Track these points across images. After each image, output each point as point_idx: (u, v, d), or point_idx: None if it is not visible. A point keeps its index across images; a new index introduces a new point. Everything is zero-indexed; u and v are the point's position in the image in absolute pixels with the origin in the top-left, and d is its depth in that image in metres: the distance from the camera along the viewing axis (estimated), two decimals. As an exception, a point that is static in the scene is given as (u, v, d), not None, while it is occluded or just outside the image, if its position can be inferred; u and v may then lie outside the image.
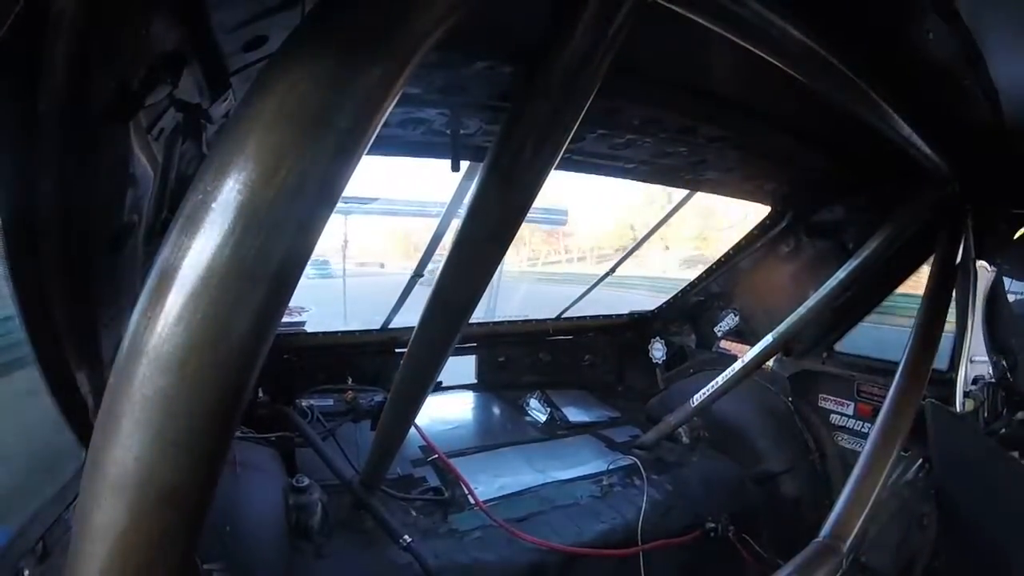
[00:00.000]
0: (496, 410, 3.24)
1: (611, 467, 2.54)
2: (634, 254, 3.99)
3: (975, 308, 1.97)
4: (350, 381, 2.72)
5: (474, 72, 1.34)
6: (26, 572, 0.76)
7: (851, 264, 2.22)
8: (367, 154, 0.58)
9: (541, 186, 0.97)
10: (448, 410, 3.12)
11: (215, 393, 0.49)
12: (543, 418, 3.11)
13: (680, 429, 2.79)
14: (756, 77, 1.51)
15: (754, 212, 3.04)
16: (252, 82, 0.52)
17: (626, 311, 3.77)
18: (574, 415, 3.15)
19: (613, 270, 3.70)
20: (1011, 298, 1.94)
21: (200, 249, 0.47)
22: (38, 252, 0.70)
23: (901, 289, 2.49)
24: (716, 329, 3.29)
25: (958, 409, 1.90)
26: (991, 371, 1.97)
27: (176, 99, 0.88)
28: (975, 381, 2.01)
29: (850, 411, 2.61)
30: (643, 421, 3.11)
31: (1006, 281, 1.96)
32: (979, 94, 1.33)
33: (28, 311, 0.70)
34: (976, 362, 2.01)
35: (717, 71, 1.54)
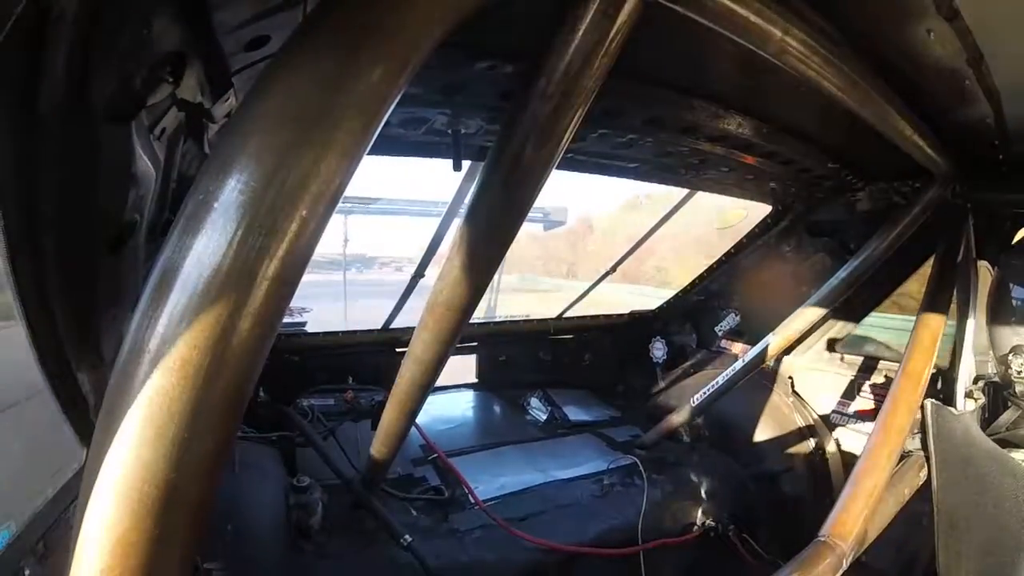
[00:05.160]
0: (496, 409, 3.24)
1: (611, 466, 2.54)
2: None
3: (975, 308, 1.97)
4: (351, 381, 2.72)
5: (475, 72, 1.34)
6: (27, 572, 0.76)
7: (852, 263, 2.22)
8: (368, 154, 0.58)
9: (542, 186, 0.97)
10: (449, 409, 3.12)
11: (216, 393, 0.50)
12: (543, 417, 3.11)
13: (681, 428, 2.79)
14: (756, 77, 1.52)
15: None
16: (254, 82, 0.52)
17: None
18: (575, 414, 3.15)
19: (614, 269, 3.70)
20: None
21: (202, 249, 0.47)
22: (40, 251, 0.70)
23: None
24: (717, 328, 3.29)
25: (958, 408, 1.90)
26: (993, 369, 1.97)
27: (178, 99, 0.88)
28: (975, 380, 2.01)
29: (850, 410, 2.61)
30: (643, 420, 3.11)
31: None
32: (979, 94, 1.33)
33: (29, 310, 0.70)
34: (976, 362, 2.01)
35: (718, 71, 1.54)
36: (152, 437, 0.48)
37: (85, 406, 0.87)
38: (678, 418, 2.70)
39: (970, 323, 1.96)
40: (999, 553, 1.59)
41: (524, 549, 1.95)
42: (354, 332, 2.94)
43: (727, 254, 3.21)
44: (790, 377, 2.84)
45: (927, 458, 1.72)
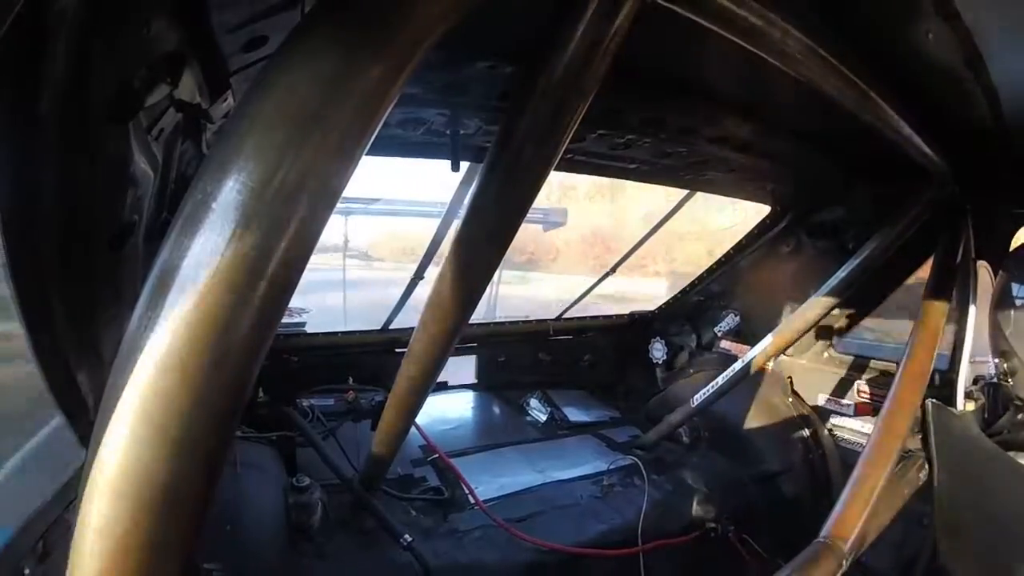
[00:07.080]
0: (496, 410, 3.24)
1: (611, 467, 2.54)
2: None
3: (975, 308, 1.97)
4: (351, 381, 2.72)
5: (474, 72, 1.34)
6: (26, 571, 0.76)
7: (851, 264, 2.22)
8: (367, 154, 0.58)
9: (541, 186, 0.97)
10: (448, 410, 3.12)
11: (215, 393, 0.49)
12: (543, 418, 3.11)
13: (680, 429, 2.79)
14: (756, 78, 1.52)
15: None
16: (252, 82, 0.52)
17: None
18: (574, 415, 3.15)
19: (614, 269, 3.69)
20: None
21: (200, 249, 0.47)
22: (38, 252, 0.70)
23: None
24: (716, 329, 3.29)
25: (958, 409, 1.90)
26: (993, 371, 1.97)
27: (176, 99, 0.88)
28: (975, 381, 2.01)
29: (850, 411, 2.61)
30: (643, 421, 3.11)
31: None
32: (979, 94, 1.34)
33: (28, 310, 0.70)
34: (976, 362, 2.01)
35: (717, 72, 1.54)
36: (150, 437, 0.48)
37: (84, 407, 0.87)
38: (678, 418, 2.70)
39: (970, 323, 1.96)
40: (1000, 554, 1.58)
41: (524, 549, 1.95)
42: (353, 333, 2.94)
43: (727, 255, 3.21)
44: (789, 377, 2.84)
45: (927, 458, 1.71)
